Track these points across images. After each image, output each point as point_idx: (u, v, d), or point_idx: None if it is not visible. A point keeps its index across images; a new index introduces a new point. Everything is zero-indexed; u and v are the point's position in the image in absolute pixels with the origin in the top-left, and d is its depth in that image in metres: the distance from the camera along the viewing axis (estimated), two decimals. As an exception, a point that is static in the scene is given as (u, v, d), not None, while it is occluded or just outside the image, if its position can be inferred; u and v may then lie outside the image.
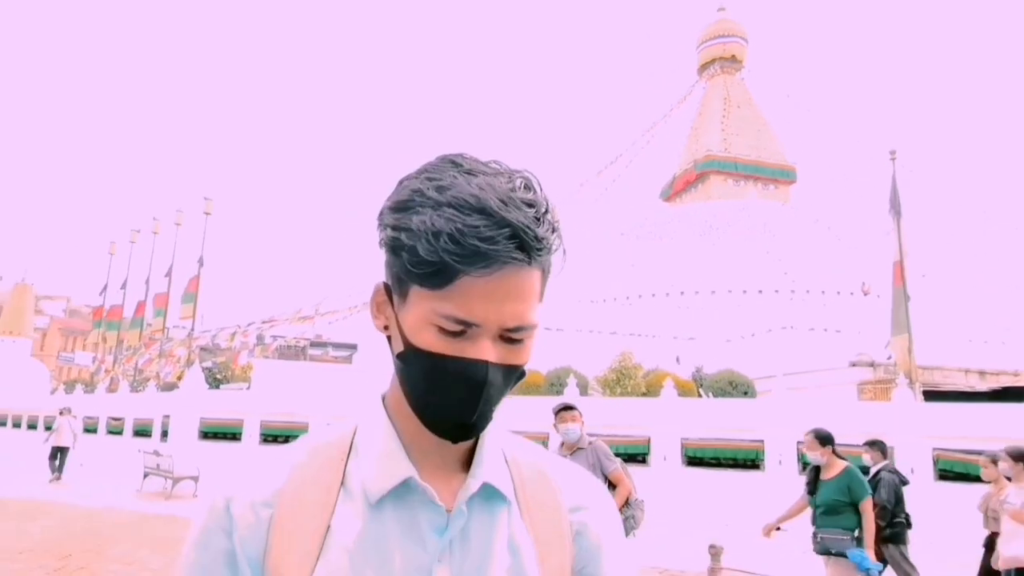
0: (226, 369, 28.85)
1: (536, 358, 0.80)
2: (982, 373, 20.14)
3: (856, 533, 5.38)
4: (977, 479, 12.22)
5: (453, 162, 0.76)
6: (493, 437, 0.84)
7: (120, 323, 30.93)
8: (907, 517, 7.41)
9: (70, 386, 31.01)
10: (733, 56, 67.53)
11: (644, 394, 18.72)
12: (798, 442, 13.80)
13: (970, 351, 21.72)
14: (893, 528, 7.20)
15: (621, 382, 19.98)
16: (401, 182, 0.77)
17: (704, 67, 68.78)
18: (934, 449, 12.43)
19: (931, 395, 15.82)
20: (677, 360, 27.04)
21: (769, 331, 30.85)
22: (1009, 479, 6.29)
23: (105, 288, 32.12)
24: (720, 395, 18.71)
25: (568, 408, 5.30)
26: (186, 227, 28.16)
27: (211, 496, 0.80)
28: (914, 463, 12.51)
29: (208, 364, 28.66)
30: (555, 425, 5.28)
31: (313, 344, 43.57)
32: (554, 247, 0.76)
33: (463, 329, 0.73)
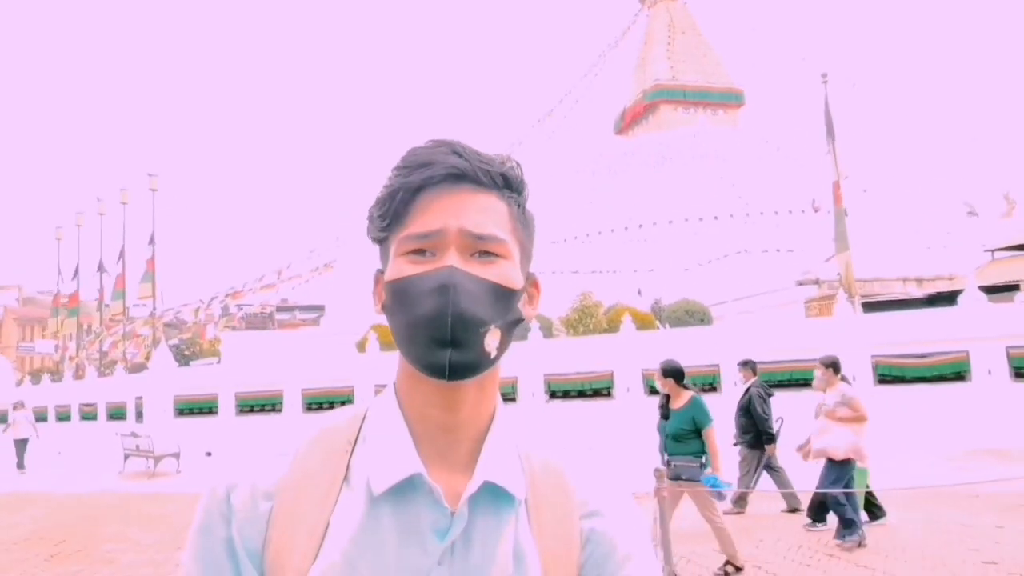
0: (194, 344, 28.85)
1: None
2: (919, 280, 21.27)
3: (703, 459, 5.90)
4: (913, 380, 13.27)
5: None
6: (503, 433, 0.80)
7: (78, 309, 30.45)
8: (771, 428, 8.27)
9: (36, 376, 30.66)
10: (674, -21, 66.51)
11: (605, 330, 19.39)
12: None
13: (909, 260, 22.80)
14: (758, 437, 8.16)
15: (583, 321, 20.63)
16: None
17: (646, -8, 67.72)
18: (872, 356, 13.32)
19: (871, 306, 16.77)
20: (639, 293, 27.81)
21: (725, 256, 31.73)
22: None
23: (59, 274, 31.45)
24: (677, 324, 19.48)
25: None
26: (133, 205, 27.55)
27: (214, 483, 0.78)
28: (855, 371, 13.44)
29: (175, 341, 28.61)
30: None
31: (279, 309, 43.45)
32: (506, 173, 0.78)
33: (426, 246, 0.74)
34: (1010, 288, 18.59)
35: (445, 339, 0.71)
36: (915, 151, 46.02)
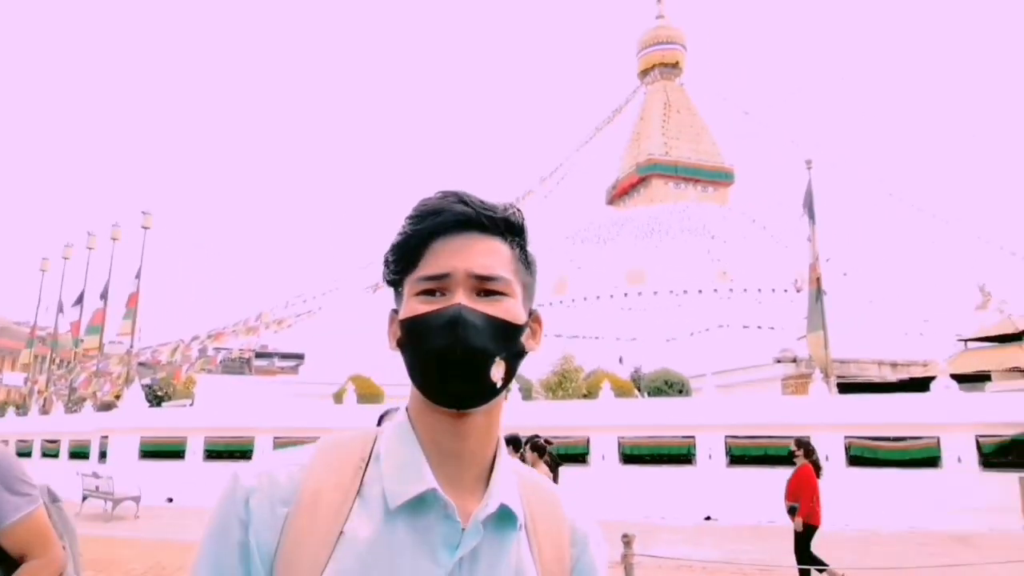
0: (167, 385, 28.35)
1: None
2: (894, 364, 21.56)
3: None
4: (885, 463, 13.30)
5: None
6: (507, 464, 0.87)
7: (55, 342, 30.01)
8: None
9: (1, 408, 29.92)
10: (672, 62, 69.43)
11: (585, 395, 19.36)
12: (726, 436, 14.71)
13: (885, 344, 23.17)
14: None
15: (563, 384, 20.60)
16: None
17: (644, 72, 70.49)
18: (845, 437, 13.39)
19: (845, 387, 16.95)
20: (620, 360, 27.89)
21: (707, 330, 32.03)
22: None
23: (39, 305, 31.11)
24: (656, 394, 19.50)
25: None
26: (124, 241, 27.55)
27: (231, 488, 0.81)
28: (829, 451, 13.47)
29: (148, 381, 28.13)
30: None
31: (258, 355, 42.95)
32: (509, 218, 0.85)
33: (437, 287, 0.81)
34: (981, 378, 18.90)
35: (455, 371, 0.78)
36: (896, 239, 47.25)
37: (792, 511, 7.50)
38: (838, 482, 13.10)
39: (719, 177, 65.62)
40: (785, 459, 13.81)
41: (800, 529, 7.44)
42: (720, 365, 21.76)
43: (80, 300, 28.55)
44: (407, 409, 0.87)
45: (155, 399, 24.23)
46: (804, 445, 7.86)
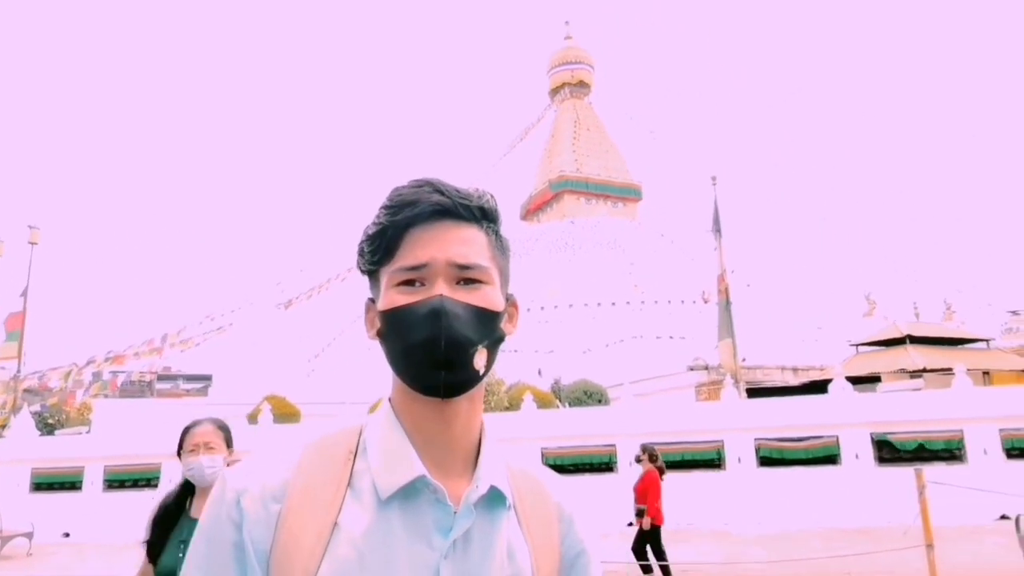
0: (59, 412, 26.33)
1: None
2: (795, 369, 23.00)
3: None
4: (792, 462, 14.13)
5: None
6: (493, 445, 0.88)
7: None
8: None
9: None
10: (581, 81, 71.43)
11: (507, 408, 19.50)
12: (641, 445, 15.20)
13: (786, 350, 24.65)
14: None
15: (486, 399, 20.54)
16: None
17: (555, 91, 72.15)
18: (755, 439, 14.12)
19: (753, 392, 17.89)
20: (539, 373, 28.25)
21: (621, 341, 32.97)
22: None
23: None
24: (576, 405, 19.88)
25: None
26: (7, 258, 25.45)
27: (221, 489, 0.81)
28: (741, 453, 14.19)
29: (36, 408, 26.01)
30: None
31: (161, 378, 40.60)
32: (484, 205, 0.86)
33: (416, 277, 0.81)
34: (872, 379, 20.41)
35: (439, 361, 0.79)
36: (792, 251, 50.39)
37: (640, 513, 8.11)
38: (750, 483, 13.84)
39: (628, 193, 67.87)
40: (703, 463, 14.53)
41: (648, 528, 8.03)
42: (636, 374, 22.48)
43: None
44: (390, 400, 0.88)
45: (46, 427, 22.44)
46: (649, 451, 8.48)
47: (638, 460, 8.60)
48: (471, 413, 0.86)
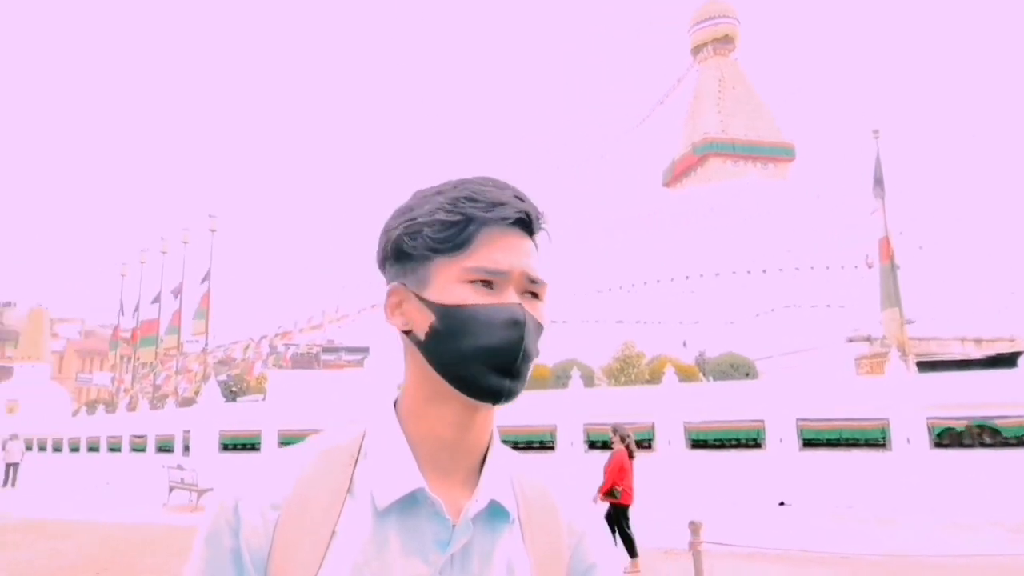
0: (241, 381, 29.52)
1: (543, 350, 0.84)
2: (978, 341, 20.40)
3: None
4: (972, 445, 12.64)
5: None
6: (498, 454, 0.86)
7: (137, 343, 31.63)
8: None
9: (91, 407, 31.78)
10: (726, 36, 67.52)
11: (648, 381, 19.13)
12: (797, 419, 14.27)
13: (968, 320, 21.95)
14: None
15: (625, 371, 20.41)
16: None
17: (697, 49, 68.80)
18: (928, 418, 12.77)
19: (926, 365, 16.12)
20: (684, 344, 27.45)
21: (772, 311, 31.13)
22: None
23: (121, 309, 32.84)
24: (721, 378, 19.09)
25: None
26: (193, 245, 28.73)
27: (221, 495, 0.81)
28: (909, 433, 12.90)
29: (223, 377, 29.33)
30: None
31: (326, 350, 44.22)
32: (544, 223, 0.85)
33: (492, 280, 0.78)
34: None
35: (511, 369, 0.77)
36: (975, 211, 44.69)
37: (612, 493, 8.05)
38: (921, 465, 12.55)
39: (779, 153, 63.65)
40: (864, 443, 13.38)
41: (600, 502, 7.97)
42: (787, 346, 21.14)
43: (157, 301, 29.95)
44: (396, 406, 0.85)
45: (230, 394, 25.24)
46: (619, 431, 8.43)
47: (610, 443, 8.67)
48: (488, 419, 0.85)
